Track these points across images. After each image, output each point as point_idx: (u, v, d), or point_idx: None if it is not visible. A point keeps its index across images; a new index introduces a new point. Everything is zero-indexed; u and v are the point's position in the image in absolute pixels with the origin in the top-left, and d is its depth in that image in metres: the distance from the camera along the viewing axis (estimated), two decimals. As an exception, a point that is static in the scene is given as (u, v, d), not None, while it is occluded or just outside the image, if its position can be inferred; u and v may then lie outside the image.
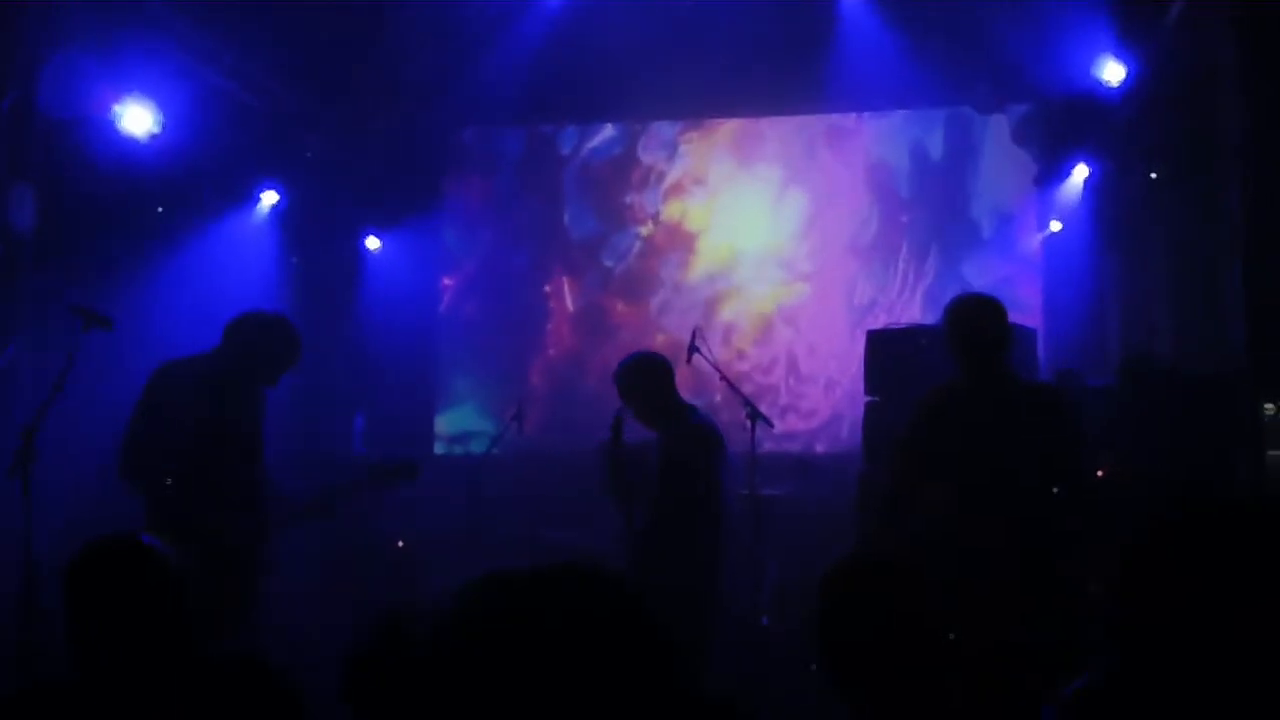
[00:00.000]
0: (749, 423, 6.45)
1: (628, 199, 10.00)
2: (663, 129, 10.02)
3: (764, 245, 9.74)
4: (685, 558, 5.80)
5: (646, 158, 10.02)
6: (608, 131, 10.10)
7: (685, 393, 6.22)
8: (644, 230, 9.97)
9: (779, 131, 9.80)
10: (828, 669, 2.80)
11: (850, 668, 2.76)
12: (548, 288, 10.10)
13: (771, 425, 6.62)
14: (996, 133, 9.02)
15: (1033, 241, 9.00)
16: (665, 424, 5.97)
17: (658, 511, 5.88)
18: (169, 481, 5.38)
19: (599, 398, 9.68)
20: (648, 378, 6.02)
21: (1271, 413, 6.99)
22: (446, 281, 10.27)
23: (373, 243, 9.95)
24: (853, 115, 9.52)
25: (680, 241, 9.89)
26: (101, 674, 2.88)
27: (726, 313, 9.69)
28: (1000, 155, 9.04)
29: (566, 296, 10.07)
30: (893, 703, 2.72)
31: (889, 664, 2.73)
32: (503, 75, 8.96)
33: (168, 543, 3.06)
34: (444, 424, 10.06)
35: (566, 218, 10.12)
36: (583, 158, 10.14)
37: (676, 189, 9.96)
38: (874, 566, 2.93)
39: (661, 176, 9.97)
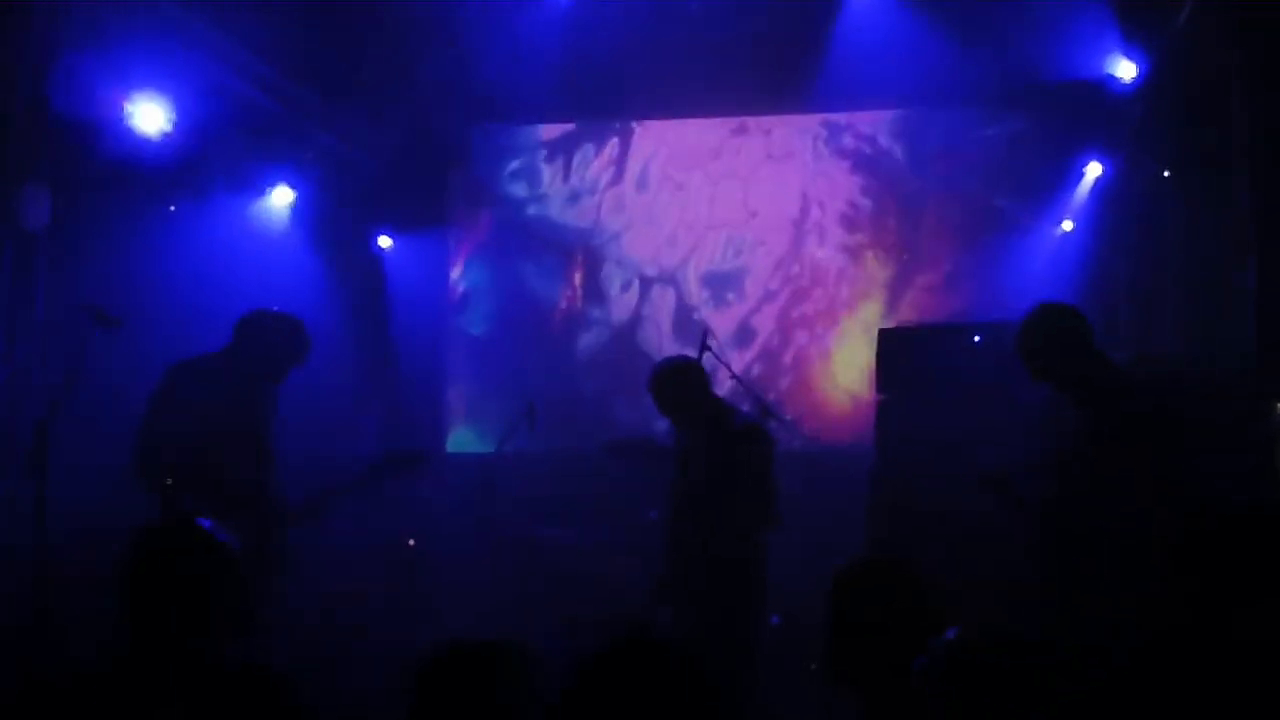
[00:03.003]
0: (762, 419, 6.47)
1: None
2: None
3: (755, 250, 9.74)
4: (743, 556, 5.86)
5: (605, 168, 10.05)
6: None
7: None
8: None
9: (774, 132, 9.82)
10: (837, 665, 2.83)
11: (861, 665, 2.79)
12: (555, 288, 10.11)
13: (785, 420, 6.62)
14: (1008, 131, 8.98)
15: (1045, 240, 8.97)
16: (713, 425, 5.99)
17: (720, 508, 5.89)
18: (180, 480, 5.41)
19: (606, 399, 9.79)
20: (685, 382, 6.07)
21: (1286, 411, 6.96)
22: (455, 275, 10.26)
23: (384, 241, 9.97)
24: (860, 114, 9.47)
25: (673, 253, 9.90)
26: (129, 664, 2.89)
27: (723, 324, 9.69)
28: (1012, 154, 9.00)
29: (577, 294, 10.06)
30: (902, 699, 2.73)
31: (900, 661, 2.74)
32: (510, 73, 8.97)
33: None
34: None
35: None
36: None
37: (664, 193, 9.96)
38: (886, 566, 2.95)
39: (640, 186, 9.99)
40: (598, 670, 2.26)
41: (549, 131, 10.23)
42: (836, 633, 2.90)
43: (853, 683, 2.86)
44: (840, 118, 9.59)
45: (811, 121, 9.70)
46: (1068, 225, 8.82)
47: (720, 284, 9.80)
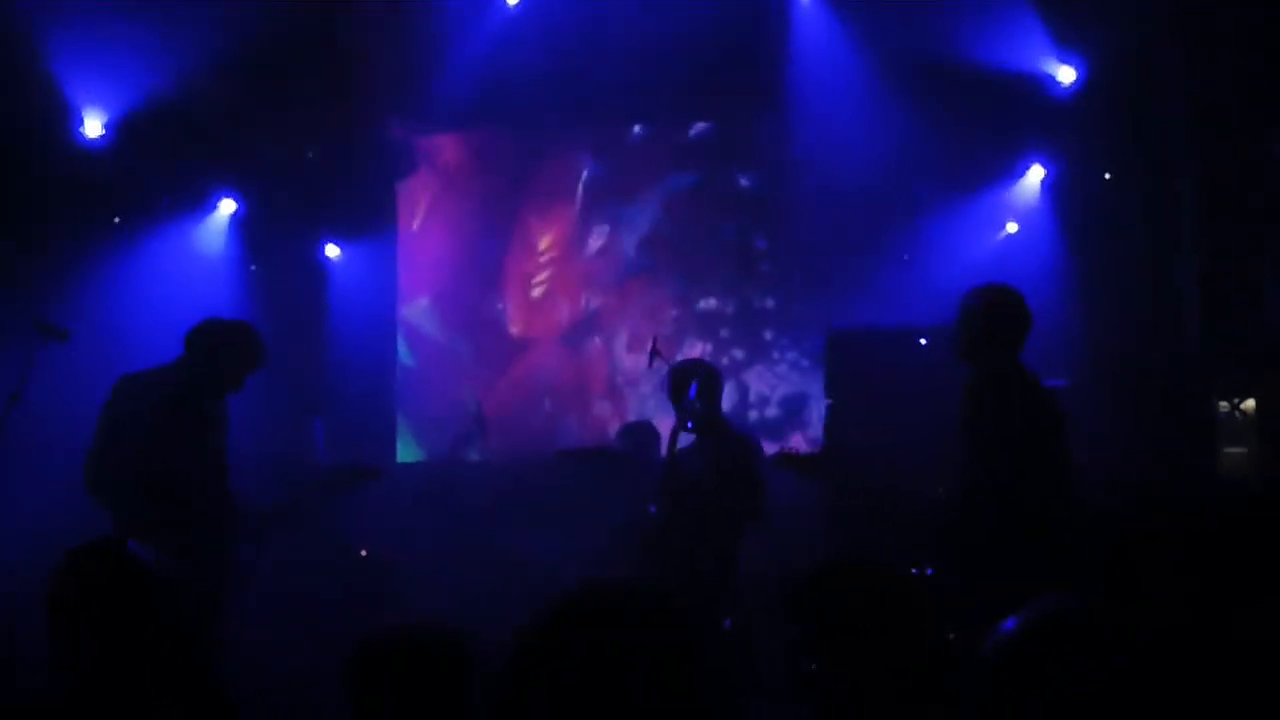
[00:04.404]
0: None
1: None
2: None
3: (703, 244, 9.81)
4: (723, 557, 5.96)
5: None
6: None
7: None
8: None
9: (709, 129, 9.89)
10: (809, 671, 2.74)
11: (846, 673, 2.70)
12: (500, 303, 10.10)
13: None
14: (950, 133, 8.98)
15: (989, 243, 9.02)
16: (714, 432, 6.17)
17: (708, 512, 6.01)
18: (133, 493, 5.36)
19: (557, 407, 9.79)
20: (697, 376, 6.24)
21: (1226, 410, 7.07)
22: (404, 283, 10.21)
23: (332, 250, 9.91)
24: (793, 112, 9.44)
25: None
26: (80, 689, 2.85)
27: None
28: (954, 155, 9.00)
29: (523, 302, 10.06)
30: (878, 708, 2.68)
31: (876, 667, 2.70)
32: (457, 79, 8.96)
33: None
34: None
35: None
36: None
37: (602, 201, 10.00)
38: (855, 570, 2.88)
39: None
40: (552, 626, 1.96)
41: (497, 139, 10.21)
42: (815, 640, 2.76)
43: (835, 692, 2.77)
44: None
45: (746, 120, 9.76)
46: (1012, 227, 8.88)
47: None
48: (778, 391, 9.54)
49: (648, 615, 1.93)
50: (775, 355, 9.57)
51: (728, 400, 9.32)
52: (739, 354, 9.64)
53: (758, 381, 9.60)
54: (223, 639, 5.43)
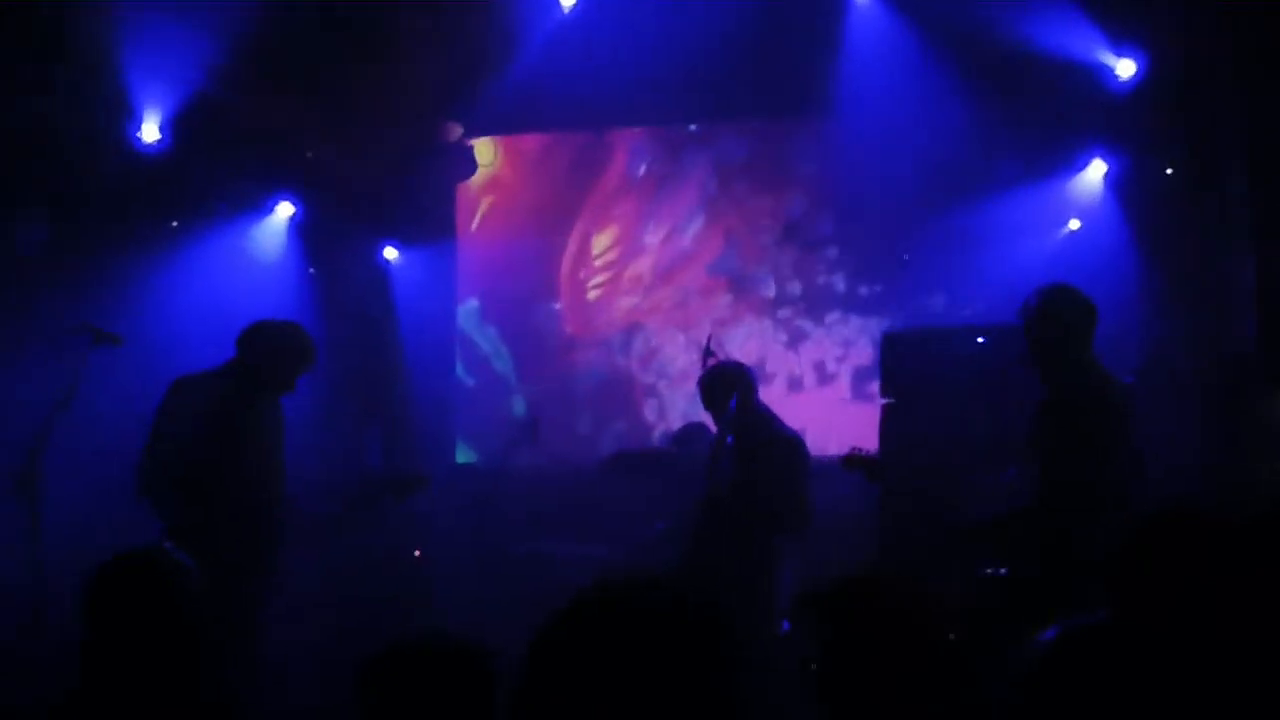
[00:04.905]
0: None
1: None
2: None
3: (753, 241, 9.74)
4: (757, 562, 5.90)
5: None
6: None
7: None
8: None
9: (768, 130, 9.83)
10: (837, 690, 2.69)
11: (864, 692, 2.65)
12: (556, 305, 10.07)
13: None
14: (1010, 132, 8.86)
15: (1052, 237, 8.90)
16: (753, 431, 6.13)
17: (739, 512, 5.97)
18: (187, 495, 5.39)
19: (609, 409, 9.76)
20: (718, 385, 6.28)
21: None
22: (463, 285, 10.22)
23: (390, 253, 9.94)
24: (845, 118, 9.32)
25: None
26: (108, 691, 2.85)
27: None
28: (1016, 154, 8.88)
29: (579, 303, 10.04)
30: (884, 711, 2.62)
31: (905, 682, 2.65)
32: (513, 82, 8.95)
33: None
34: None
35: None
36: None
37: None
38: (890, 584, 2.82)
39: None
40: (574, 620, 1.91)
41: (553, 141, 10.20)
42: (835, 658, 2.73)
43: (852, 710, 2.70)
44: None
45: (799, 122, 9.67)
46: (1075, 224, 8.75)
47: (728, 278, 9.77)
48: (844, 369, 9.46)
49: (663, 609, 1.90)
50: (839, 334, 9.48)
51: (782, 382, 9.37)
52: (807, 325, 9.55)
53: (826, 358, 9.51)
54: (254, 651, 5.43)
